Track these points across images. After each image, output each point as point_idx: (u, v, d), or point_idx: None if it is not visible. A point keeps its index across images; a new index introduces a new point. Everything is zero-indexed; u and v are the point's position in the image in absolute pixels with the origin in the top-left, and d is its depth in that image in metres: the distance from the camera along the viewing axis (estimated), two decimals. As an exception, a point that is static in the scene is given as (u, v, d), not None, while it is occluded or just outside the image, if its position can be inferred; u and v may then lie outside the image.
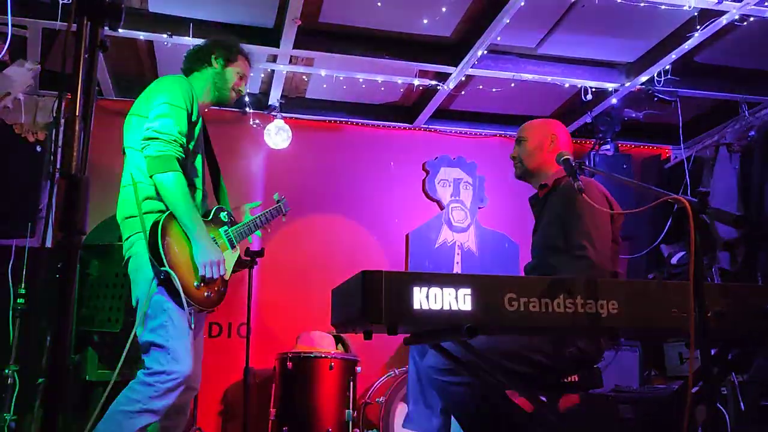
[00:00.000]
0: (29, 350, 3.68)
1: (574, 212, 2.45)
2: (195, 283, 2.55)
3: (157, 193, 2.55)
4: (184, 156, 2.62)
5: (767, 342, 2.06)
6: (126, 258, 2.61)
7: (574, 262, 2.36)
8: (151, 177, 2.53)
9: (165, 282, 2.45)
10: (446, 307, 1.74)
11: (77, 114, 1.28)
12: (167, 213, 2.54)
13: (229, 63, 2.91)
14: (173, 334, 2.45)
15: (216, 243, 2.68)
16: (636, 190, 5.00)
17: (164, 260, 2.45)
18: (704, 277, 4.39)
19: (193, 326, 2.51)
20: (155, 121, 2.56)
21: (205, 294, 2.59)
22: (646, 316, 1.86)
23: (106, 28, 1.41)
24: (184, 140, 2.62)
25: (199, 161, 2.77)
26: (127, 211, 2.61)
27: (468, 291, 1.76)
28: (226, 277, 2.71)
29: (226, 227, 2.83)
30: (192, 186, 2.68)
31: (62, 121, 4.54)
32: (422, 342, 1.96)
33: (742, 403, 3.98)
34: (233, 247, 2.83)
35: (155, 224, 2.50)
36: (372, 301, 1.69)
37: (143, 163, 2.56)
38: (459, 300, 1.75)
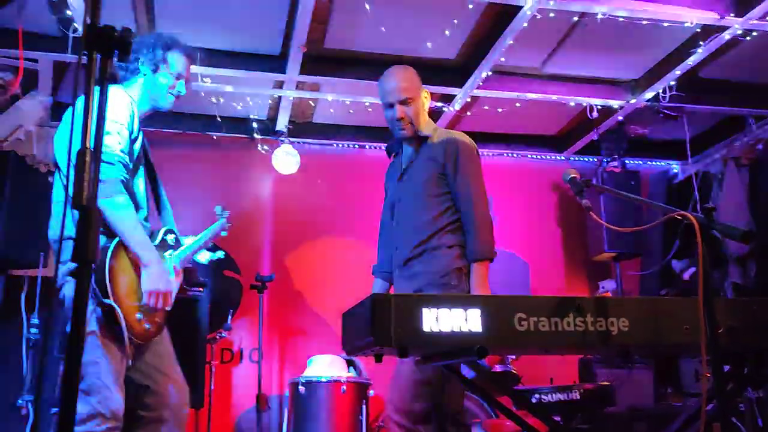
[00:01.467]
0: (43, 380, 3.69)
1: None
2: (137, 315, 2.35)
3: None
4: (128, 177, 2.42)
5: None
6: (60, 284, 2.39)
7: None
8: None
9: (107, 315, 2.26)
10: (456, 329, 1.74)
11: (87, 146, 1.30)
12: (116, 240, 2.34)
13: (158, 68, 2.58)
14: (105, 372, 2.25)
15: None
16: (645, 207, 5.00)
17: (108, 292, 2.25)
18: (716, 293, 4.33)
19: (130, 360, 2.35)
20: None
21: (146, 326, 2.38)
22: (658, 333, 1.85)
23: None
24: (127, 159, 2.41)
25: (140, 177, 2.55)
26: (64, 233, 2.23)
27: (477, 311, 1.75)
28: (169, 306, 2.47)
29: (171, 251, 2.60)
30: (136, 206, 2.46)
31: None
32: (433, 363, 1.95)
33: (759, 419, 3.93)
34: (176, 273, 2.57)
35: (104, 251, 2.29)
36: (382, 324, 1.69)
37: None
38: (469, 321, 1.75)
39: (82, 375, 2.13)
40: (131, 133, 2.44)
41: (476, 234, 2.59)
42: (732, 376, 2.07)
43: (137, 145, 2.50)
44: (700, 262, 1.63)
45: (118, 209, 2.31)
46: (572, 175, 2.39)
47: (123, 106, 2.43)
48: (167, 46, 2.61)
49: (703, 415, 1.62)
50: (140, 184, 2.53)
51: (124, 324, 2.25)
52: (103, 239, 2.31)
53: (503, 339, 1.77)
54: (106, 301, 2.24)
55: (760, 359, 2.02)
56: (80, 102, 2.39)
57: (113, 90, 2.44)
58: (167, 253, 2.56)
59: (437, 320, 1.73)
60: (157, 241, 2.52)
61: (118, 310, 2.25)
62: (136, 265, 2.38)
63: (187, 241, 2.72)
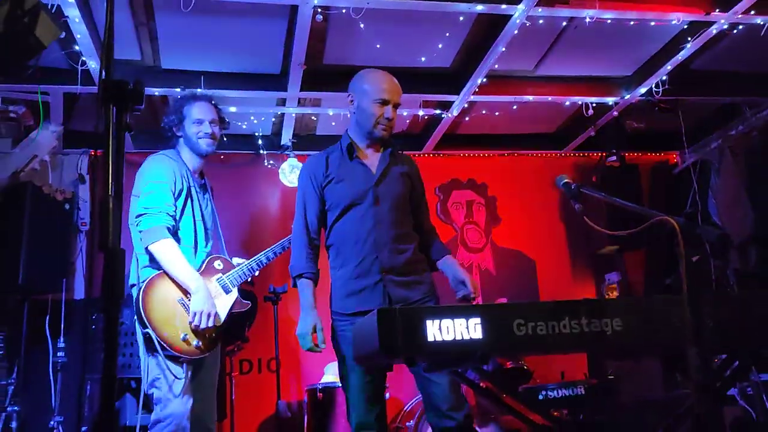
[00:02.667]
0: (71, 401, 3.84)
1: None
2: (182, 336, 2.78)
3: (153, 261, 2.85)
4: (173, 223, 2.89)
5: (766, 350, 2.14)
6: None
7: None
8: (146, 249, 2.83)
9: (148, 341, 2.74)
10: (458, 337, 1.85)
11: (110, 193, 1.43)
12: (150, 277, 2.82)
13: (182, 124, 3.08)
14: (164, 385, 2.74)
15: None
16: (645, 200, 5.09)
17: (146, 322, 2.73)
18: (719, 280, 4.38)
19: (188, 373, 2.79)
20: (143, 198, 2.88)
21: (194, 344, 2.81)
22: (651, 331, 1.95)
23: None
24: (171, 209, 2.89)
25: (188, 222, 2.99)
26: (131, 280, 2.96)
27: (478, 320, 1.87)
28: (219, 323, 2.90)
29: (219, 275, 3.04)
30: (181, 241, 2.93)
31: (87, 177, 4.71)
32: (441, 369, 2.07)
33: (767, 403, 4.02)
34: (227, 291, 3.02)
35: (138, 292, 2.80)
36: (389, 337, 1.81)
37: (138, 237, 2.88)
38: (470, 329, 1.86)
39: (152, 390, 2.77)
40: (173, 185, 2.92)
41: (438, 236, 2.95)
42: (723, 369, 2.18)
43: (183, 193, 2.96)
44: (682, 268, 1.74)
45: (162, 250, 2.80)
46: (565, 180, 2.49)
47: (159, 167, 2.95)
48: (183, 102, 3.10)
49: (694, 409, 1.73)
50: (189, 226, 2.97)
51: (158, 346, 2.71)
52: (151, 272, 2.84)
53: (504, 344, 1.88)
54: (144, 330, 2.74)
55: (751, 351, 2.13)
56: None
57: (156, 157, 3.02)
58: (215, 277, 3.01)
59: (440, 330, 1.85)
60: (201, 269, 2.96)
61: (153, 335, 2.72)
62: (183, 293, 2.85)
63: (238, 262, 3.15)
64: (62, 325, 3.98)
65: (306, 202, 2.76)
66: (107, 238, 1.44)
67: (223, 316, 2.94)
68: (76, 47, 3.76)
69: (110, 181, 1.48)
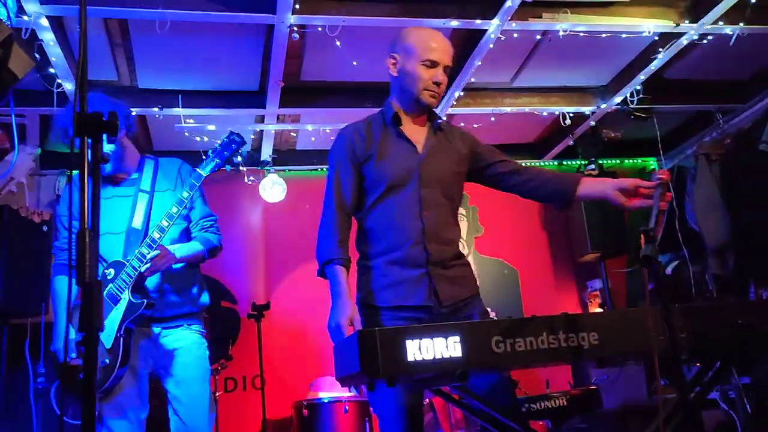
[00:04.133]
0: (53, 427, 3.79)
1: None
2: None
3: None
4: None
5: (743, 356, 2.18)
6: None
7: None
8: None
9: None
10: (438, 356, 1.87)
11: (87, 227, 1.43)
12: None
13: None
14: None
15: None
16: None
17: None
18: (698, 285, 4.41)
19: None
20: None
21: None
22: (627, 342, 1.99)
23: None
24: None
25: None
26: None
27: (457, 338, 1.89)
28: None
29: (109, 286, 2.65)
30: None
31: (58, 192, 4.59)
32: (421, 388, 2.09)
33: (748, 407, 4.08)
34: (116, 301, 2.62)
35: None
36: (369, 358, 1.82)
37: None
38: (449, 347, 1.88)
39: None
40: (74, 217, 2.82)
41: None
42: (701, 375, 2.21)
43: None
44: (645, 280, 1.78)
45: None
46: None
47: None
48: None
49: (661, 424, 1.76)
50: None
51: None
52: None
53: (483, 361, 1.90)
54: None
55: (723, 359, 2.17)
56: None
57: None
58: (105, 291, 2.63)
59: (420, 350, 1.86)
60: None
61: None
62: None
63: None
64: (42, 349, 3.93)
65: (341, 178, 2.36)
66: (84, 273, 1.44)
67: (110, 333, 2.56)
68: (51, 70, 3.75)
69: (87, 213, 1.48)
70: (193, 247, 2.78)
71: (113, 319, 2.60)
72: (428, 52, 2.30)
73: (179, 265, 2.74)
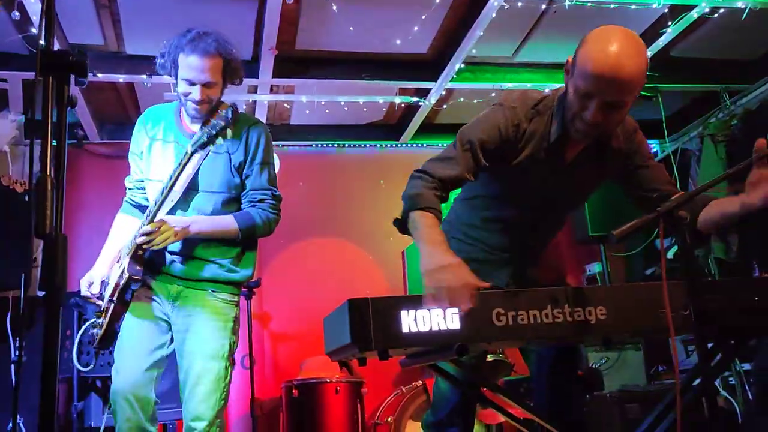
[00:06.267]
0: (33, 400, 3.67)
1: None
2: None
3: None
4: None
5: (757, 335, 2.07)
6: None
7: None
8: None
9: None
10: (435, 328, 1.74)
11: (48, 174, 1.29)
12: None
13: (174, 73, 2.47)
14: None
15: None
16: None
17: None
18: (700, 270, 4.32)
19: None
20: None
21: None
22: (635, 318, 1.87)
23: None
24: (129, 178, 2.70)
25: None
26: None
27: (455, 309, 1.76)
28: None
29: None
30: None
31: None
32: (416, 364, 1.96)
33: (749, 392, 3.99)
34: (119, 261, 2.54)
35: None
36: (361, 328, 1.69)
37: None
38: (447, 319, 1.75)
39: None
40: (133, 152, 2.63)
41: None
42: (711, 354, 2.10)
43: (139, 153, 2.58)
44: (662, 259, 1.65)
45: None
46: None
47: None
48: (175, 49, 2.43)
49: (679, 400, 1.64)
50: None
51: None
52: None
53: (483, 335, 1.77)
54: None
55: (737, 337, 2.05)
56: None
57: None
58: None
59: (416, 321, 1.74)
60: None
61: None
62: None
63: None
64: (22, 323, 3.80)
65: (479, 142, 1.99)
66: (44, 223, 1.30)
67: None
68: (34, 30, 3.58)
69: (49, 161, 1.34)
70: (221, 222, 2.47)
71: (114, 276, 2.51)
72: (590, 83, 1.86)
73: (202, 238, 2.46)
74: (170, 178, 2.37)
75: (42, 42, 1.40)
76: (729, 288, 1.92)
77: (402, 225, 1.99)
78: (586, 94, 1.86)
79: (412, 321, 1.74)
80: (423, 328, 1.73)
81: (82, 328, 2.63)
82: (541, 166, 2.06)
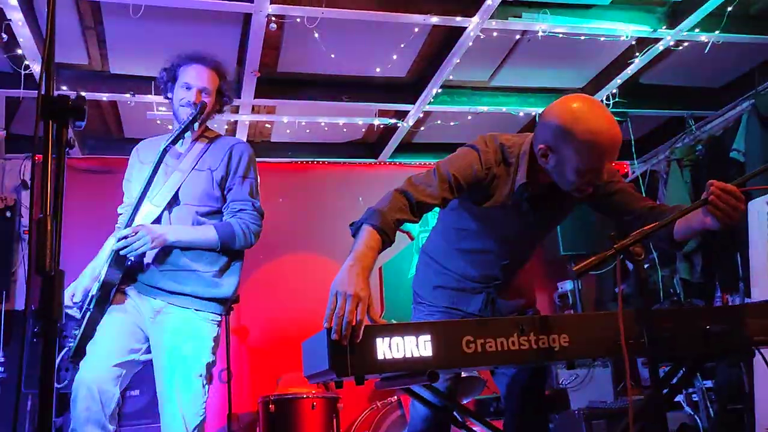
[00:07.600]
0: (11, 414, 3.69)
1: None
2: None
3: None
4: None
5: (706, 360, 2.20)
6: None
7: None
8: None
9: None
10: (408, 355, 1.84)
11: (48, 213, 1.38)
12: None
13: (173, 85, 2.65)
14: None
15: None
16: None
17: None
18: (666, 289, 4.43)
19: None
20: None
21: None
22: (595, 344, 1.99)
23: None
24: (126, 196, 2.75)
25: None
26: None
27: (428, 337, 1.87)
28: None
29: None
30: None
31: (30, 183, 4.54)
32: (390, 387, 2.06)
33: (711, 409, 4.14)
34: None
35: None
36: (338, 356, 1.79)
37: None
38: (420, 347, 1.86)
39: None
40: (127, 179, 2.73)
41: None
42: (669, 378, 2.23)
43: (131, 179, 2.69)
44: (619, 293, 1.77)
45: None
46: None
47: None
48: (177, 65, 2.66)
49: (632, 423, 1.76)
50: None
51: None
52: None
53: (453, 361, 1.88)
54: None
55: (693, 363, 2.19)
56: None
57: None
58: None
59: (390, 348, 1.84)
60: None
61: None
62: None
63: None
64: (1, 338, 3.82)
65: (453, 177, 2.11)
66: (45, 260, 1.38)
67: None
68: (19, 51, 3.64)
69: (49, 199, 1.42)
70: (200, 231, 2.52)
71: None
72: (591, 161, 1.96)
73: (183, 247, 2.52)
74: (148, 175, 2.46)
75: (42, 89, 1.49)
76: (681, 317, 2.06)
77: (356, 231, 2.04)
78: (593, 168, 1.97)
79: (387, 348, 1.84)
80: (397, 355, 1.84)
81: (62, 352, 2.63)
82: (508, 210, 2.20)
